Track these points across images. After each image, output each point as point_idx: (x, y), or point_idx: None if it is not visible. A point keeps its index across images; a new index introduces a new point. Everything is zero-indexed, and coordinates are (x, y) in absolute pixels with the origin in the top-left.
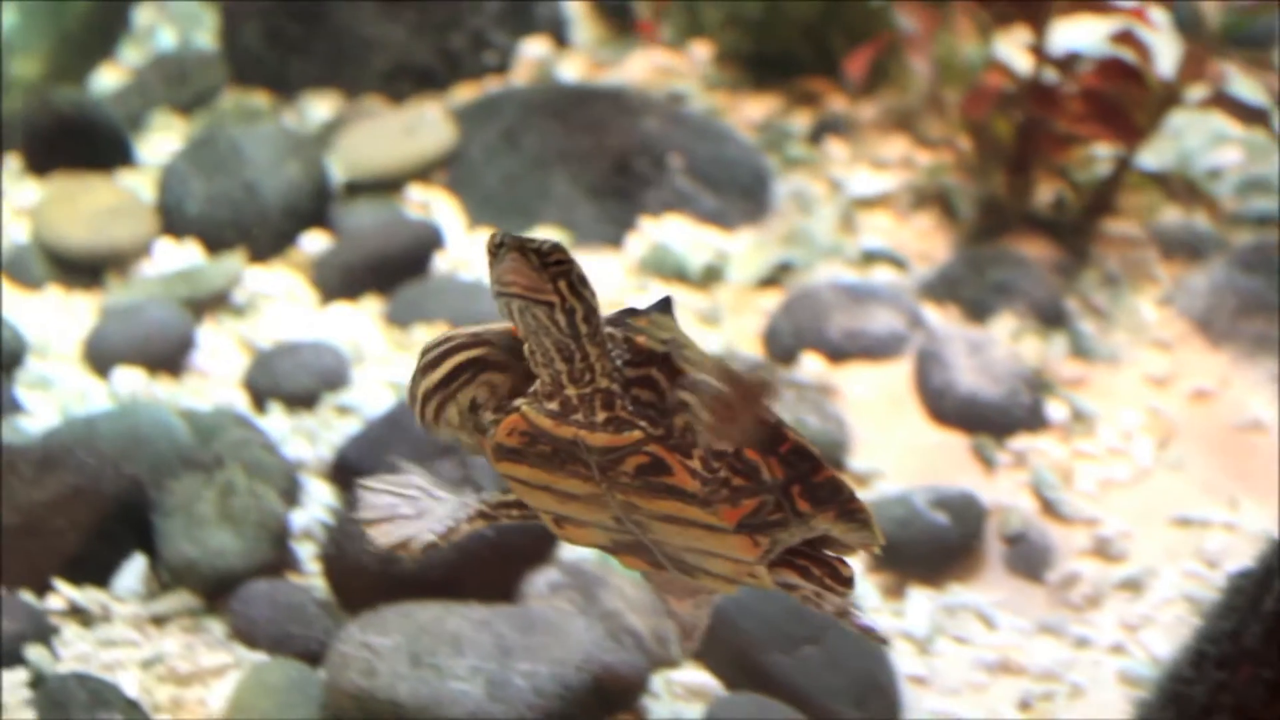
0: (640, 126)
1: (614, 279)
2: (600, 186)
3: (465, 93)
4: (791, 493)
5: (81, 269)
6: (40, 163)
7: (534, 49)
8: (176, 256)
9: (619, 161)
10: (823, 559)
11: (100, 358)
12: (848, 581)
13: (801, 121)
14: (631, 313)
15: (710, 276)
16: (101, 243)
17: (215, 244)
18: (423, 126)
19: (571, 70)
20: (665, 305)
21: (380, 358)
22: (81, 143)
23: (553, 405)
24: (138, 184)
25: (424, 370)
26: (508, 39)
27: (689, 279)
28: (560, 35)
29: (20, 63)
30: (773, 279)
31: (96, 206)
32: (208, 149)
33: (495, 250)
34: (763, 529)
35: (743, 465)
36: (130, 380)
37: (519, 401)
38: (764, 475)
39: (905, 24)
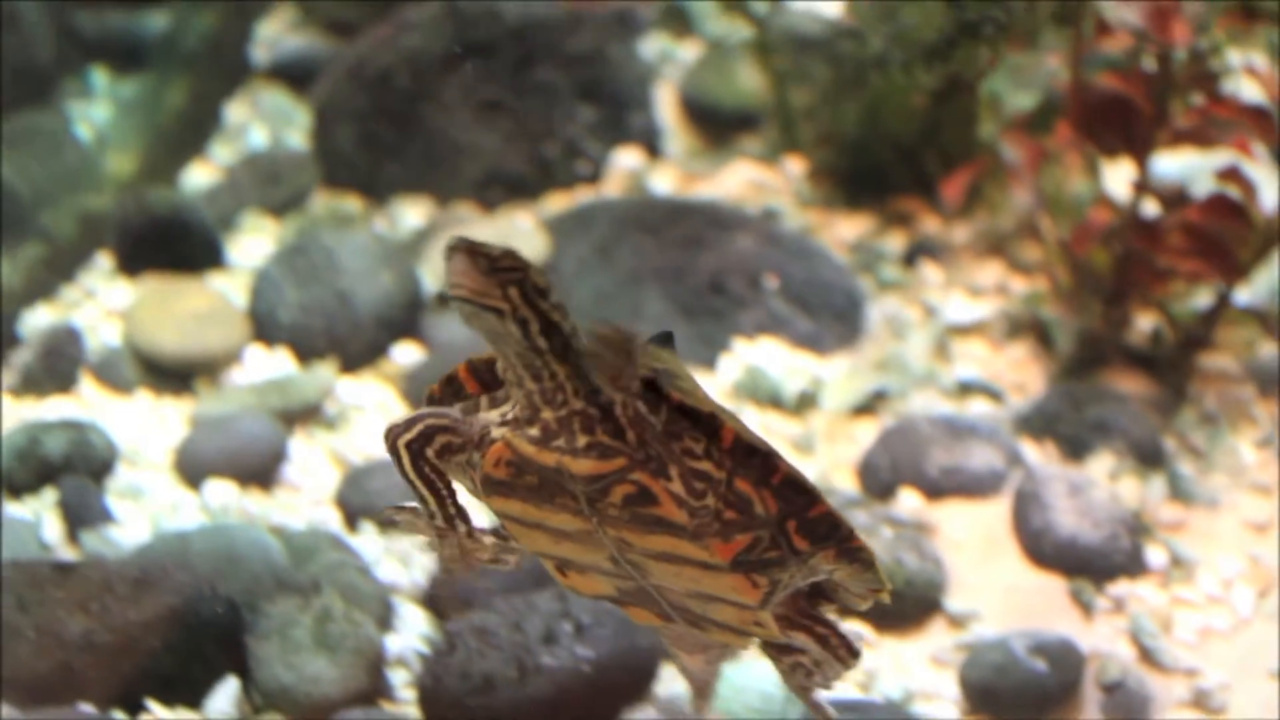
0: (735, 245)
1: None
2: (694, 305)
3: (557, 202)
4: (787, 528)
5: (172, 374)
6: (132, 263)
7: (627, 159)
8: (267, 364)
9: (713, 280)
10: (840, 633)
11: (192, 468)
12: (856, 654)
13: (895, 242)
14: None
15: (804, 403)
16: (193, 348)
17: (307, 352)
18: (515, 237)
19: (664, 182)
20: (666, 339)
21: None
22: (174, 244)
23: (534, 431)
24: (229, 287)
25: (398, 466)
26: (601, 149)
27: (783, 405)
28: (653, 146)
29: (115, 159)
30: (867, 406)
31: (188, 311)
32: (301, 256)
33: (448, 254)
34: (760, 568)
35: (735, 497)
36: (222, 493)
37: (500, 431)
38: (757, 509)
39: (1008, 153)
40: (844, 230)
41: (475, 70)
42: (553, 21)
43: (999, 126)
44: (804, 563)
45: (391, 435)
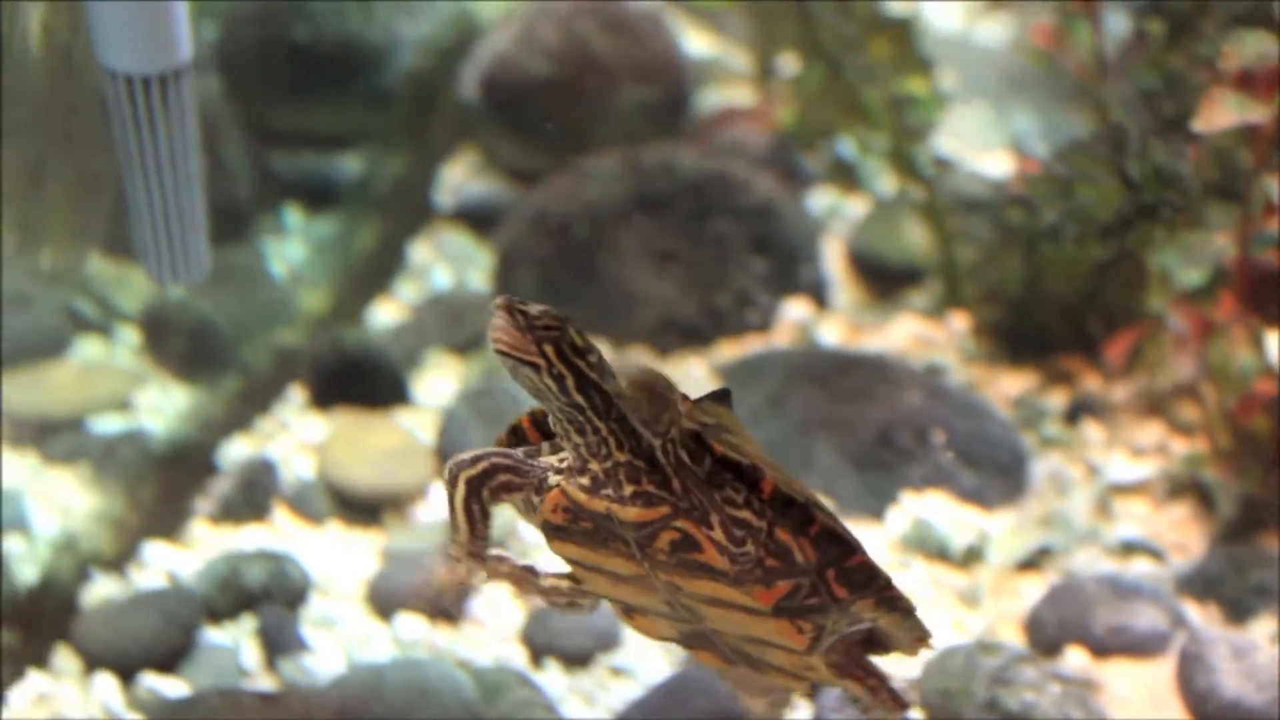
0: (902, 398)
1: (876, 554)
2: (863, 457)
3: (728, 350)
4: (826, 577)
5: (362, 507)
6: (324, 397)
7: (795, 310)
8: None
9: (882, 433)
10: (890, 686)
11: (383, 601)
12: (908, 706)
13: (1056, 399)
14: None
15: (971, 557)
16: (383, 484)
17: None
18: (689, 384)
19: (831, 333)
20: (722, 396)
21: None
22: (364, 381)
23: (584, 480)
24: (415, 424)
25: (451, 496)
26: (771, 299)
27: (950, 558)
28: (821, 297)
29: (307, 295)
30: (1032, 562)
31: (378, 447)
32: (486, 398)
33: (491, 310)
34: (803, 614)
35: (775, 546)
36: (412, 627)
37: (556, 478)
38: (797, 557)
39: (1174, 323)
40: (1007, 386)
41: (652, 222)
42: (727, 176)
43: (1167, 298)
44: (845, 610)
45: (455, 467)
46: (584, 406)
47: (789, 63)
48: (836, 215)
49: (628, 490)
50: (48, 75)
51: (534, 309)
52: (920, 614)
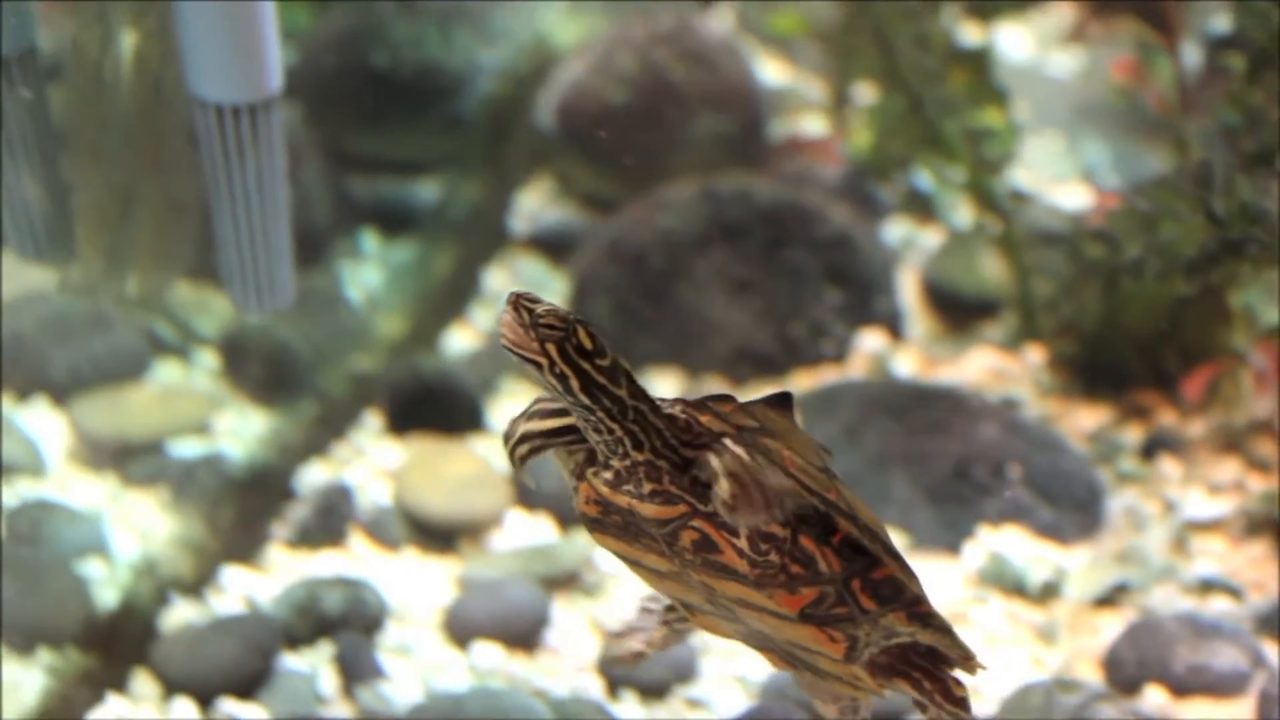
0: (978, 432)
1: (952, 588)
2: (939, 491)
3: (802, 380)
4: (852, 587)
5: (438, 534)
6: (400, 423)
7: (870, 341)
8: (528, 529)
9: (958, 467)
10: (936, 674)
11: (460, 629)
12: (960, 702)
13: (1132, 435)
14: (723, 399)
15: (1047, 592)
16: (459, 511)
17: (566, 519)
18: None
19: (906, 365)
20: (782, 400)
21: (726, 651)
22: (440, 407)
23: (608, 474)
24: (490, 451)
25: (530, 416)
26: (846, 330)
27: (1027, 593)
28: (896, 329)
29: (384, 321)
30: (1108, 598)
31: (455, 474)
32: None
33: (505, 304)
34: (832, 622)
35: (799, 553)
36: (489, 655)
37: (588, 470)
38: (820, 566)
39: (1256, 360)
40: (1082, 420)
41: (728, 251)
42: (803, 206)
43: (1250, 336)
44: (876, 622)
45: (511, 425)
46: (591, 408)
47: (864, 92)
48: (911, 246)
49: (646, 488)
50: (138, 103)
51: (540, 307)
52: (962, 634)
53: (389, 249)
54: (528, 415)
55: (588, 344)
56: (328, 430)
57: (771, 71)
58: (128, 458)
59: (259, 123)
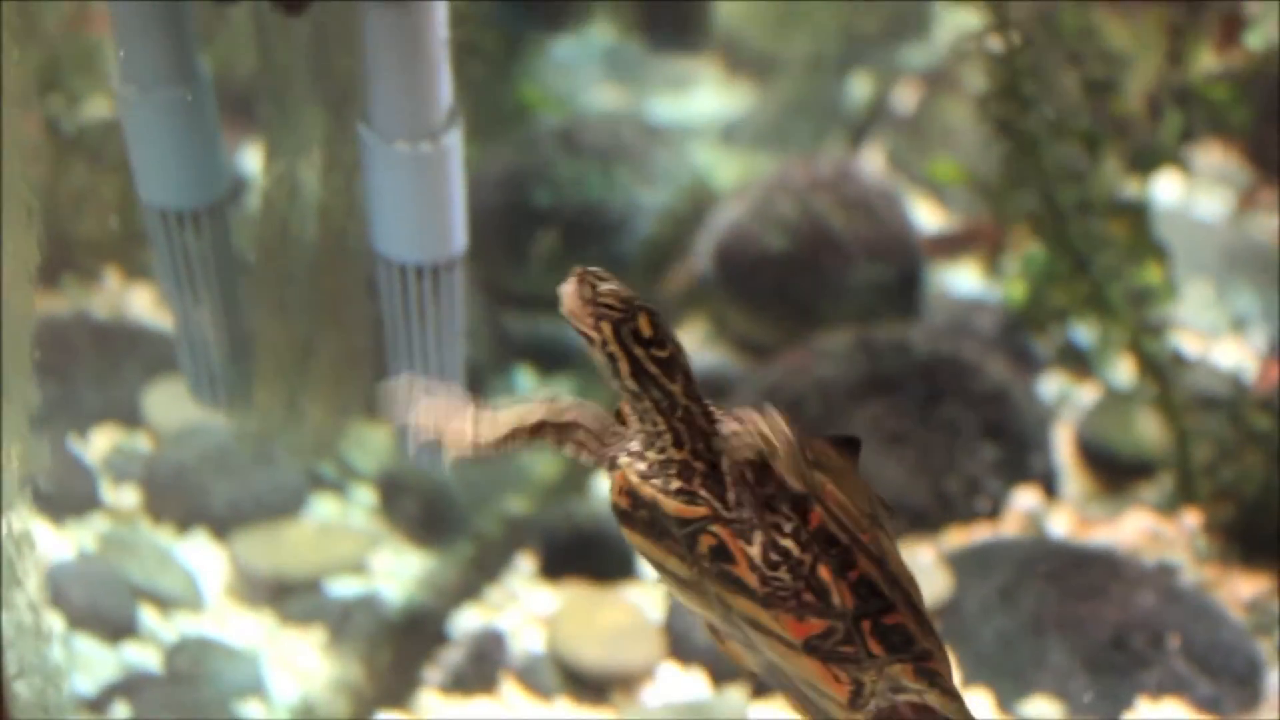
0: (1135, 599)
1: None
2: (1097, 660)
3: (955, 537)
4: (862, 628)
5: (591, 685)
6: (554, 569)
7: (1024, 499)
8: (681, 683)
9: (1116, 636)
10: None
11: None
12: None
13: None
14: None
15: None
16: (613, 663)
17: (720, 674)
18: (918, 573)
19: (1060, 524)
20: (848, 442)
21: None
22: (592, 553)
23: (642, 465)
24: (643, 600)
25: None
26: (1000, 487)
27: None
28: (1050, 487)
29: (538, 462)
30: None
31: (608, 624)
32: None
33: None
34: (836, 660)
35: (815, 582)
36: None
37: (624, 459)
38: (834, 599)
39: None
40: (1240, 589)
41: (883, 403)
42: (959, 359)
43: None
44: (881, 671)
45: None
46: (639, 394)
47: (1020, 240)
48: (1067, 402)
49: (674, 485)
50: (322, 256)
51: (605, 285)
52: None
53: (544, 387)
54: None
55: (646, 331)
56: (481, 573)
57: (923, 214)
58: (285, 595)
59: (441, 281)
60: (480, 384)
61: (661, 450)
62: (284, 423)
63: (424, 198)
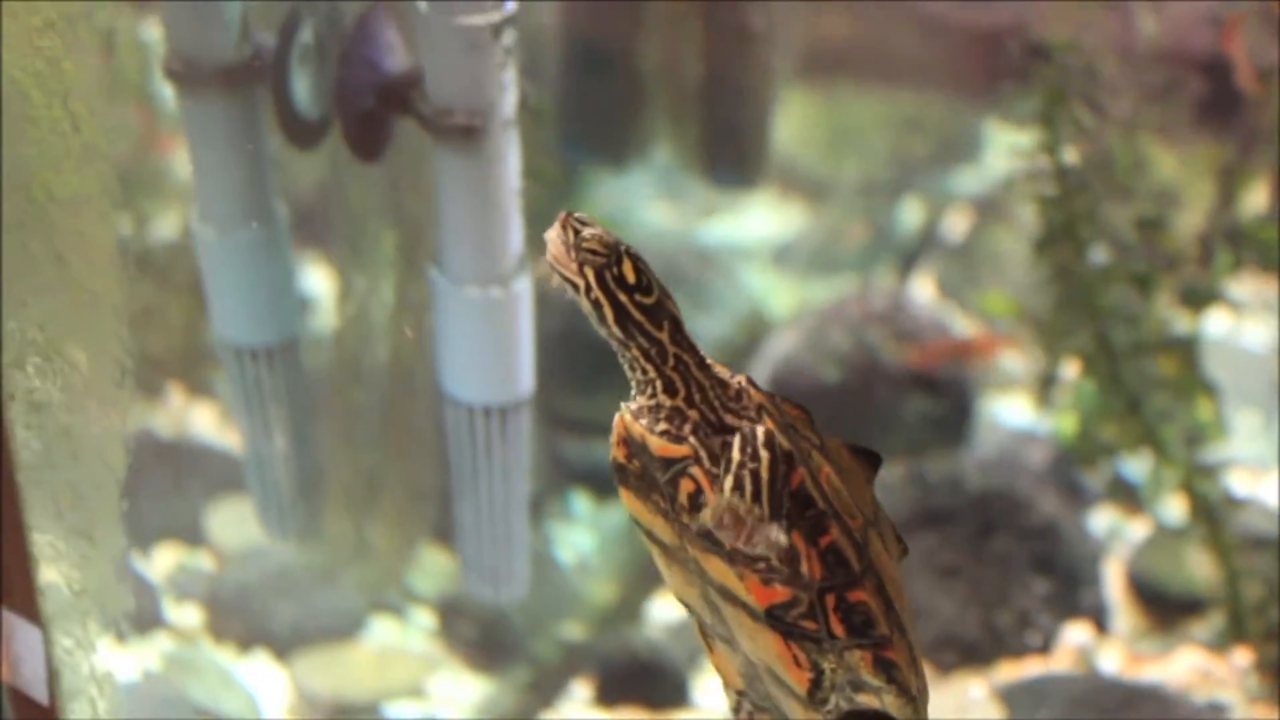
0: None
1: None
2: None
3: (1006, 670)
4: (826, 603)
5: None
6: (609, 696)
7: (1075, 634)
8: None
9: None
10: None
11: None
12: None
13: None
14: (795, 405)
15: None
16: None
17: None
18: (971, 708)
19: (1111, 660)
20: (866, 453)
21: None
22: (649, 682)
23: (634, 406)
24: None
25: None
26: (1051, 621)
27: None
28: (1101, 621)
29: (594, 586)
30: None
31: None
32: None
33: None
34: (798, 637)
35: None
36: None
37: (624, 406)
38: (802, 567)
39: None
40: None
41: (935, 535)
42: (1011, 493)
43: None
44: (841, 656)
45: None
46: (625, 342)
47: (1070, 371)
48: (1117, 537)
49: (660, 426)
50: (391, 394)
51: (588, 230)
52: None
53: (601, 513)
54: None
55: (630, 276)
56: (538, 698)
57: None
58: (345, 718)
59: (508, 422)
60: (536, 509)
61: (652, 396)
62: (351, 555)
63: (493, 342)
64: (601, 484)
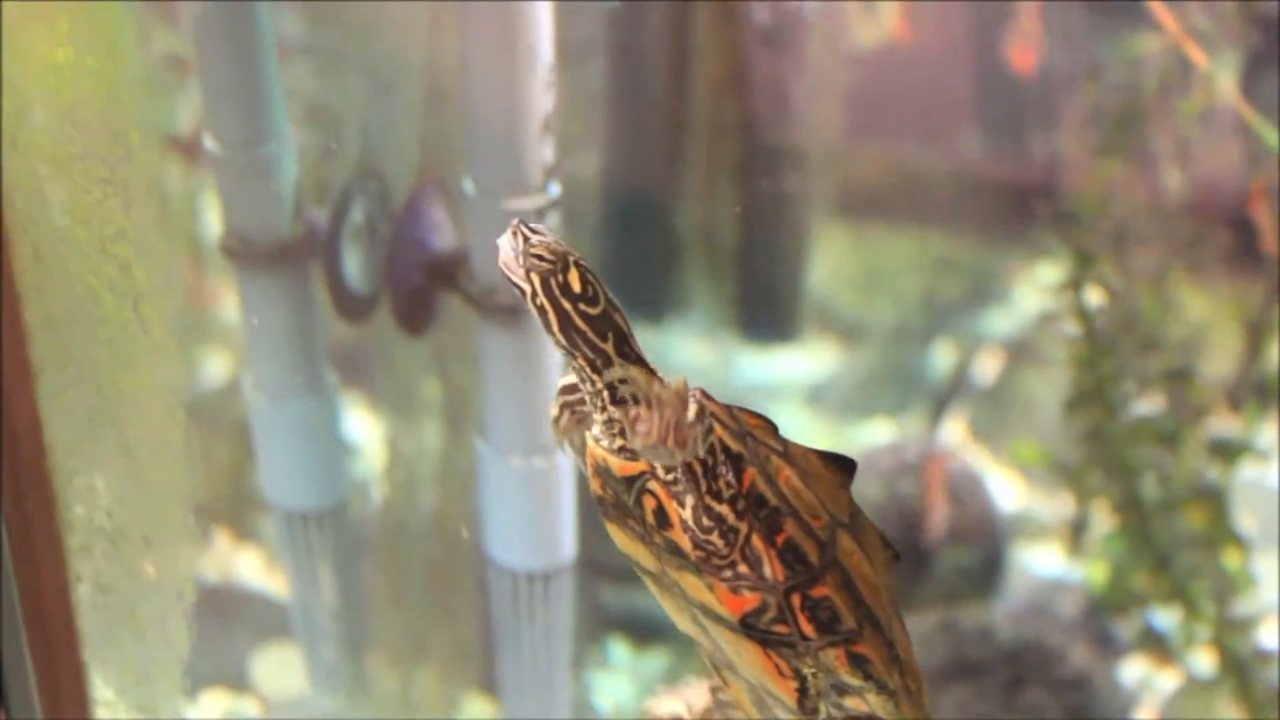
0: None
1: None
2: None
3: None
4: (793, 603)
5: None
6: None
7: None
8: None
9: None
10: None
11: None
12: None
13: None
14: (756, 415)
15: None
16: None
17: None
18: None
19: None
20: (839, 460)
21: None
22: None
23: (596, 430)
24: None
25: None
26: None
27: None
28: None
29: None
30: None
31: None
32: None
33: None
34: (775, 645)
35: (750, 552)
36: None
37: (588, 435)
38: (766, 570)
39: None
40: None
41: (967, 687)
42: (1043, 645)
43: None
44: (817, 658)
45: None
46: (570, 350)
47: (1101, 518)
48: (1148, 688)
49: (616, 444)
50: (436, 556)
51: (537, 237)
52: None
53: (639, 660)
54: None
55: (576, 286)
56: None
57: (1001, 484)
58: None
59: (551, 588)
60: (573, 657)
61: (603, 409)
62: (397, 708)
63: (536, 510)
64: (640, 631)
